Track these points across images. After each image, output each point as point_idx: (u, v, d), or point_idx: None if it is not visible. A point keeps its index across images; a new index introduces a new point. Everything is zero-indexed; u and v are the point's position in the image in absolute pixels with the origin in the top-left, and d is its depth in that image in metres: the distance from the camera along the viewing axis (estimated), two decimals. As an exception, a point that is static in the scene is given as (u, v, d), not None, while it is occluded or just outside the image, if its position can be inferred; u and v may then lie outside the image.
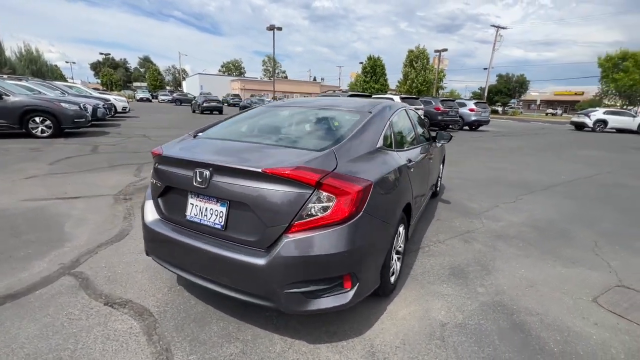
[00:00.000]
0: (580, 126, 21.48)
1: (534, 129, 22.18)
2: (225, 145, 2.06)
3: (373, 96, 15.80)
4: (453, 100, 18.03)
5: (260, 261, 1.57)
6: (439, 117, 16.16)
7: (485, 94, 37.42)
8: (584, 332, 1.99)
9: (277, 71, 68.61)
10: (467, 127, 18.15)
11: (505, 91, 53.83)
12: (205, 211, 1.78)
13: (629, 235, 3.53)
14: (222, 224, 1.72)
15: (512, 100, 56.79)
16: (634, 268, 2.81)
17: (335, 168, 1.66)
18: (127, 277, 2.37)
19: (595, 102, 36.34)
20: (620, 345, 1.89)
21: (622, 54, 26.89)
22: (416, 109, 12.81)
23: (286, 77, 65.19)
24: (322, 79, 73.36)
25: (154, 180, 2.01)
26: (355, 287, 1.68)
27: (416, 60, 36.31)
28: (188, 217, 1.85)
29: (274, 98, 35.16)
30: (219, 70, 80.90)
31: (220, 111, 24.40)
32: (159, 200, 1.99)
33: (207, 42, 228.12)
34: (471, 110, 17.73)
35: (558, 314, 2.15)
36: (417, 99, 17.11)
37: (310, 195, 1.55)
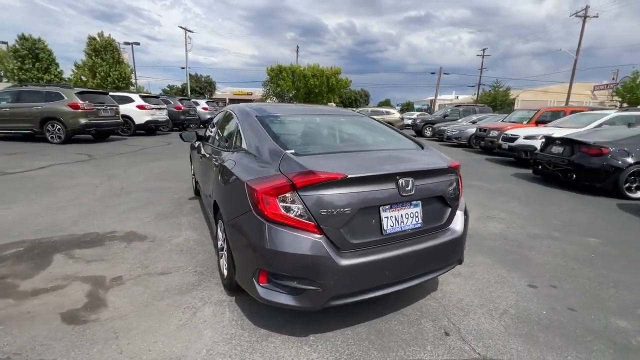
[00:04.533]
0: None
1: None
2: (372, 155, 2.20)
3: (111, 94, 12.28)
4: (189, 99, 18.60)
5: (458, 233, 2.10)
6: (182, 117, 15.80)
7: (189, 92, 39.18)
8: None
9: None
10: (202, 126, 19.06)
11: (198, 90, 58.56)
12: (401, 218, 1.88)
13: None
14: (420, 221, 1.96)
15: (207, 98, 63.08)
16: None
17: None
18: None
19: (263, 101, 48.90)
20: (493, 229, 4.04)
21: (279, 68, 38.16)
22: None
23: None
24: None
25: (335, 210, 1.65)
26: None
27: (104, 51, 30.52)
28: (387, 232, 1.83)
29: None
30: None
31: None
32: (342, 230, 1.69)
33: None
34: (205, 109, 18.75)
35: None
36: (106, 94, 11.81)
37: (457, 177, 2.23)
